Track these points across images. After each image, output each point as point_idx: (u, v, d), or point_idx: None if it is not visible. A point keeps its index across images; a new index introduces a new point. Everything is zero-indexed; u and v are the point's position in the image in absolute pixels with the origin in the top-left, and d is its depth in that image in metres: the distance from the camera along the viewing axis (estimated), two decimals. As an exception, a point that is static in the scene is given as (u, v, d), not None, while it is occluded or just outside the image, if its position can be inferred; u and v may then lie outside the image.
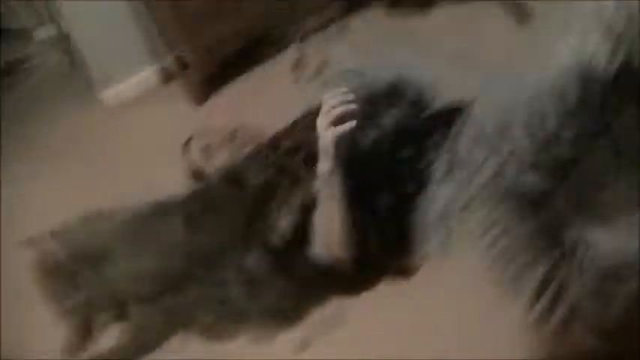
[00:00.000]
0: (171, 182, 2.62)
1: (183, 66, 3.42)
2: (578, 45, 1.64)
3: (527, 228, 1.71)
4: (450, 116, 2.08)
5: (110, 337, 2.07)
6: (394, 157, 2.04)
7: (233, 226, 2.12)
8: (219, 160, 2.38)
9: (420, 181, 1.98)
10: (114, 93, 3.47)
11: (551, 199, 1.71)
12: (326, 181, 1.85)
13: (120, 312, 2.05)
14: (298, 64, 2.57)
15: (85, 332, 2.04)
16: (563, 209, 1.71)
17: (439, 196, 1.89)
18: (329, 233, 1.89)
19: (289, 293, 1.98)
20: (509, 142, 1.75)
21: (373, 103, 2.26)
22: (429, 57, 2.84)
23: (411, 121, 2.17)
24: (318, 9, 3.34)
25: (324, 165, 1.83)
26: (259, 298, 1.96)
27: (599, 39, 1.63)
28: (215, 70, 3.18)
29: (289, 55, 3.22)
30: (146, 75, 3.51)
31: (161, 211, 2.24)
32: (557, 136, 1.70)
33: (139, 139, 3.14)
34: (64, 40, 3.82)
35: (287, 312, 1.97)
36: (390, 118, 2.17)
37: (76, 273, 2.10)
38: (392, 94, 2.33)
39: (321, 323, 1.98)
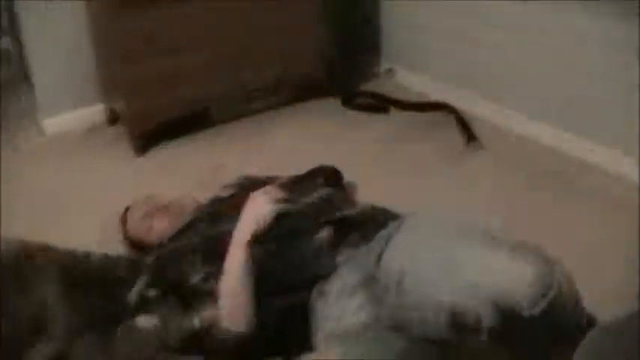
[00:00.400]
0: (89, 227, 2.58)
1: (114, 118, 3.43)
2: (507, 277, 1.57)
3: None
4: (373, 225, 1.99)
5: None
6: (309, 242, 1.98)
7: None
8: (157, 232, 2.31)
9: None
10: (56, 122, 3.41)
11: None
12: (242, 249, 1.91)
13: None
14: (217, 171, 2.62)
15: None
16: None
17: (344, 309, 1.78)
18: (232, 303, 1.89)
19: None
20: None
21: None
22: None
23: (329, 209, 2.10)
24: (266, 92, 3.42)
25: (248, 232, 1.91)
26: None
27: (531, 279, 1.55)
28: (154, 128, 3.17)
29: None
30: (93, 112, 3.46)
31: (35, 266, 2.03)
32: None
33: (68, 173, 3.08)
34: (17, 55, 3.78)
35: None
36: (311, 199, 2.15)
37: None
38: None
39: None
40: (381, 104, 3.45)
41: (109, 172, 3.06)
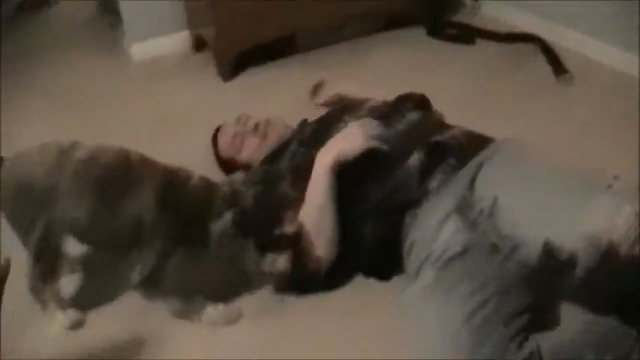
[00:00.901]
0: (181, 148, 2.62)
1: (200, 44, 3.45)
2: (605, 216, 1.54)
3: (515, 304, 1.61)
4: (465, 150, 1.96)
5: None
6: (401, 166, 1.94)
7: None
8: (248, 152, 2.35)
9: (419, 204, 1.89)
10: (142, 49, 3.46)
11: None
12: (325, 175, 1.92)
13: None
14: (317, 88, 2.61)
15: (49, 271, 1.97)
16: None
17: (438, 234, 1.77)
18: (315, 229, 1.92)
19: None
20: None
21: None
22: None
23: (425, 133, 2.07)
24: (353, 21, 3.40)
25: (331, 158, 1.92)
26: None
27: (630, 219, 1.51)
28: (242, 53, 3.20)
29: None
30: (180, 38, 3.50)
31: (136, 177, 1.93)
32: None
33: (157, 97, 3.12)
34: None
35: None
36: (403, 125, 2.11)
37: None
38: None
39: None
40: (467, 35, 3.38)
41: (197, 96, 3.11)
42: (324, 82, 2.61)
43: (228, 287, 2.01)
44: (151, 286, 1.95)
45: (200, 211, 1.89)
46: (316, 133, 2.13)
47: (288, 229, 1.86)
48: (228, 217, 1.86)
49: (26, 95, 3.20)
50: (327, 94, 2.54)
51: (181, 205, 1.91)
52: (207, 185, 1.97)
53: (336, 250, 1.93)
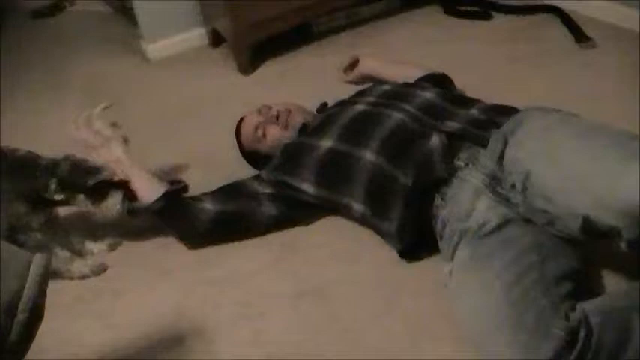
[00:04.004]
0: (203, 145, 2.66)
1: (217, 40, 3.44)
2: None
3: (557, 270, 1.58)
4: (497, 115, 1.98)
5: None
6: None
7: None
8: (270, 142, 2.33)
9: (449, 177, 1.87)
10: (159, 47, 3.46)
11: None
12: None
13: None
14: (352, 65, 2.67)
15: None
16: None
17: (472, 211, 1.75)
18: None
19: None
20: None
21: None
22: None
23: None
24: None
25: None
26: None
27: None
28: (260, 44, 3.18)
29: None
30: (196, 35, 3.50)
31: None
32: None
33: (177, 95, 3.13)
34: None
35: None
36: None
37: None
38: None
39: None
40: (483, 10, 3.34)
41: (218, 91, 3.10)
42: (358, 60, 2.69)
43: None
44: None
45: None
46: (330, 118, 2.19)
47: (103, 176, 2.06)
48: (52, 186, 2.04)
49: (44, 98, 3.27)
50: (357, 73, 2.67)
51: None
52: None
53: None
